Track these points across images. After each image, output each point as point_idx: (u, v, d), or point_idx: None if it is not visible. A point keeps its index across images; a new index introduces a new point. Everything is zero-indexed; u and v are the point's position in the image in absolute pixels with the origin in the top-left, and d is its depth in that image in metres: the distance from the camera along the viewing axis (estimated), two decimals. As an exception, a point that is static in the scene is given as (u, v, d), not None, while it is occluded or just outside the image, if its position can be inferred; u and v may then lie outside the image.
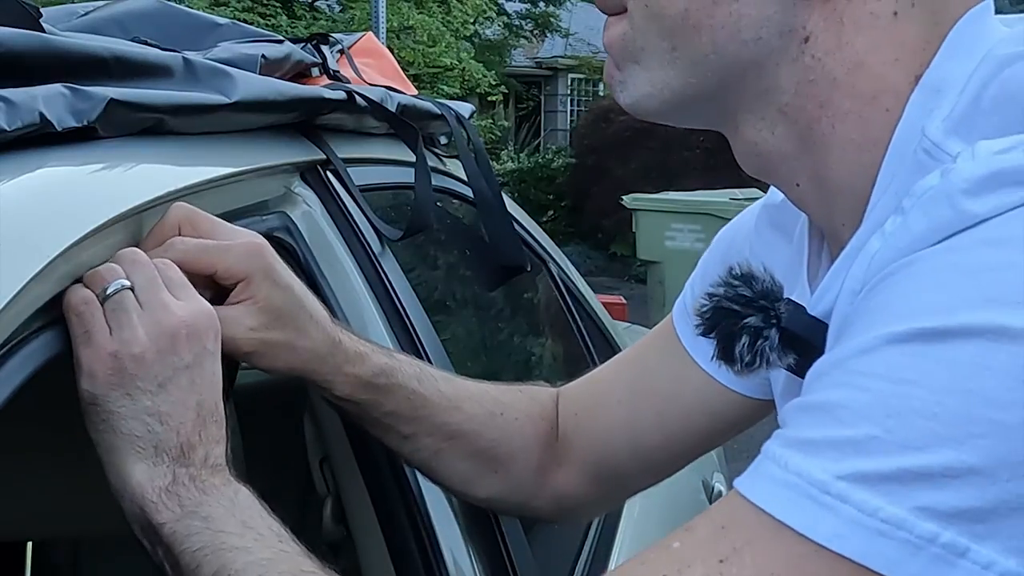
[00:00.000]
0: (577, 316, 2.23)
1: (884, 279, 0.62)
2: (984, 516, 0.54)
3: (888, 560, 0.54)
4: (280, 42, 1.47)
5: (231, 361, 0.90)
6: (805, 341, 0.72)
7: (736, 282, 0.74)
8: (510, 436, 1.10)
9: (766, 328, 0.72)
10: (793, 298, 0.75)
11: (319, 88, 1.36)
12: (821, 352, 0.68)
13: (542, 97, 19.68)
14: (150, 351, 0.79)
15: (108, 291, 0.79)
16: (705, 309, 0.74)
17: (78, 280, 0.80)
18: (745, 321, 0.73)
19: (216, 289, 0.90)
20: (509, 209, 1.70)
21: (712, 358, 0.75)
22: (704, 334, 0.75)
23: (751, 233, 0.95)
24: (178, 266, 0.85)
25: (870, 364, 0.59)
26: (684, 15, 0.71)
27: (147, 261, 0.83)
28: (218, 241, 0.91)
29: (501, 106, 17.02)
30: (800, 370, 0.72)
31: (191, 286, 0.84)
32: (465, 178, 1.65)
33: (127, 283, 0.80)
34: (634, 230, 7.97)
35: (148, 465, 0.78)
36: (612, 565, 1.76)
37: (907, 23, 0.68)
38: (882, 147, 0.68)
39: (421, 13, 12.20)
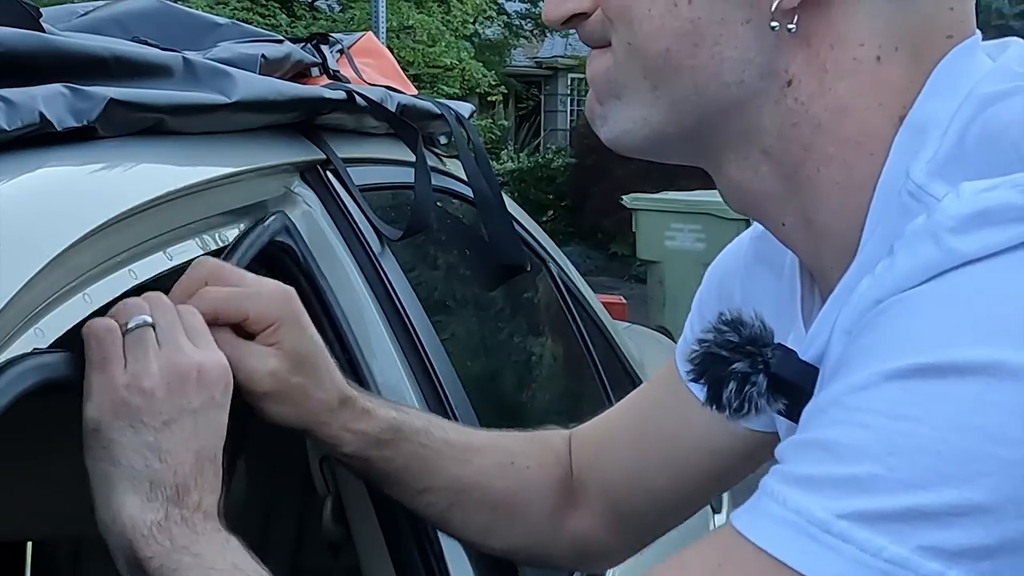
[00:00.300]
0: (577, 316, 2.23)
1: (877, 315, 0.62)
2: (990, 554, 0.54)
3: None
4: (280, 42, 1.47)
5: (244, 416, 0.90)
6: (795, 386, 0.71)
7: (725, 328, 0.74)
8: (523, 485, 1.08)
9: (754, 374, 0.72)
10: (790, 338, 0.76)
11: (319, 88, 1.36)
12: (811, 396, 0.68)
13: (542, 97, 19.68)
14: (160, 388, 0.79)
15: (130, 325, 0.80)
16: (695, 355, 0.75)
17: (102, 311, 0.81)
18: (733, 367, 0.72)
19: (244, 336, 0.91)
20: (509, 209, 1.70)
21: (703, 404, 0.76)
22: (694, 380, 0.75)
23: (741, 269, 0.94)
24: (211, 313, 0.87)
25: (868, 401, 0.58)
26: (666, 55, 0.71)
27: (172, 305, 0.84)
28: (247, 288, 0.91)
29: (501, 106, 17.02)
30: (792, 414, 0.72)
31: (210, 336, 0.85)
32: (465, 178, 1.65)
33: (150, 320, 0.81)
34: (634, 230, 7.97)
35: (142, 499, 0.78)
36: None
37: (890, 66, 0.68)
38: (868, 190, 0.68)
39: (421, 13, 12.20)
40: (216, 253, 0.97)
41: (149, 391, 0.79)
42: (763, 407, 0.73)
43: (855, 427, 0.58)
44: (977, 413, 0.55)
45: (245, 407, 0.91)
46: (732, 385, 0.72)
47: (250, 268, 1.06)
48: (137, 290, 0.87)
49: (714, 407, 0.74)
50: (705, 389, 0.75)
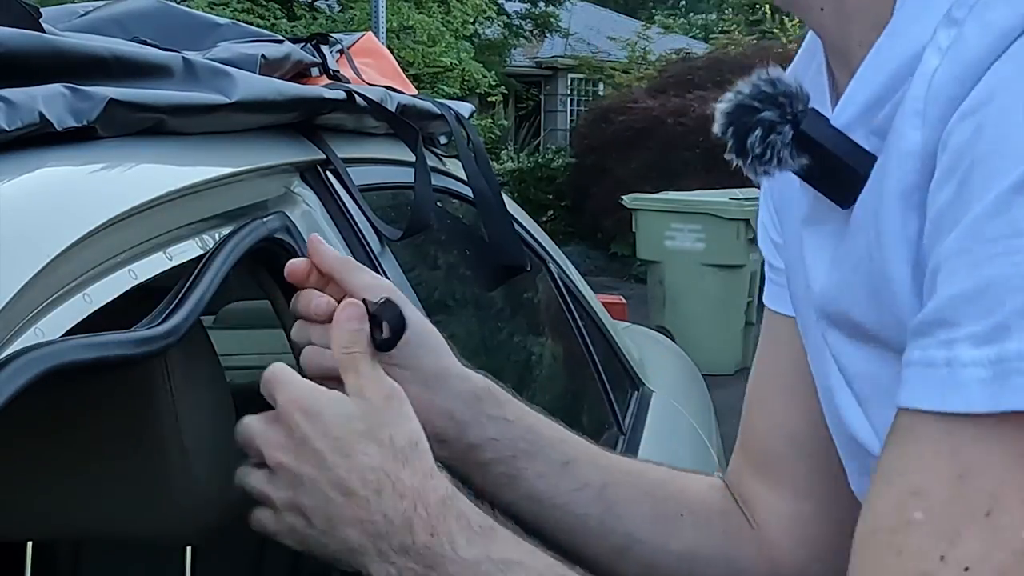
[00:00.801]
0: (577, 316, 2.23)
1: (977, 130, 0.58)
2: None
3: None
4: (280, 42, 1.47)
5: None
6: (823, 149, 0.69)
7: (761, 82, 0.73)
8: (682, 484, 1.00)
9: (780, 124, 0.71)
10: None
11: (319, 88, 1.36)
12: (847, 170, 0.66)
13: (542, 97, 19.68)
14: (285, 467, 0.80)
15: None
16: (727, 106, 0.74)
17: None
18: (761, 115, 0.72)
19: None
20: (509, 209, 1.70)
21: (727, 153, 0.74)
22: (722, 132, 0.74)
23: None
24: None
25: (1011, 223, 0.54)
26: None
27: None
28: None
29: (501, 106, 17.01)
30: (812, 178, 0.71)
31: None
32: (465, 178, 1.65)
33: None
34: (634, 230, 7.96)
35: (369, 566, 0.76)
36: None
37: None
38: None
39: (421, 13, 12.20)
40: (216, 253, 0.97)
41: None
42: (785, 159, 0.71)
43: (1012, 255, 0.54)
44: None
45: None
46: (758, 131, 0.71)
47: (245, 269, 1.06)
48: (137, 290, 0.87)
49: (737, 156, 0.73)
50: (732, 139, 0.73)
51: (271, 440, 0.80)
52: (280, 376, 0.81)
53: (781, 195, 0.89)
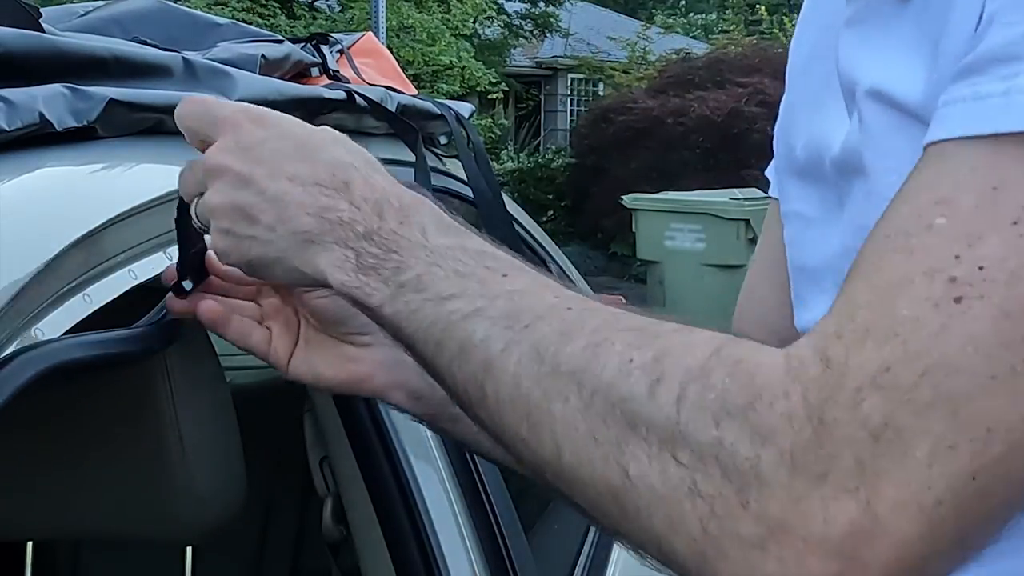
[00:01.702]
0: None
1: None
2: None
3: None
4: (280, 42, 1.47)
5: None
6: None
7: None
8: None
9: None
10: None
11: (319, 88, 1.36)
12: None
13: (542, 97, 19.68)
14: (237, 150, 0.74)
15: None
16: None
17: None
18: None
19: None
20: (509, 209, 1.70)
21: None
22: None
23: None
24: None
25: None
26: None
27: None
28: None
29: (501, 106, 17.02)
30: None
31: None
32: (465, 178, 1.65)
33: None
34: (634, 230, 7.98)
35: (326, 255, 0.71)
36: (612, 565, 1.76)
37: None
38: None
39: (420, 12, 12.20)
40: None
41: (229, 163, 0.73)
42: None
43: None
44: None
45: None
46: None
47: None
48: (137, 290, 0.87)
49: None
50: None
51: (216, 148, 0.75)
52: (209, 98, 0.78)
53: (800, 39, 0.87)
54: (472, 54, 13.01)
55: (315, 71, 1.53)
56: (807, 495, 0.52)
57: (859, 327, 0.54)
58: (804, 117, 0.81)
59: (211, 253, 0.84)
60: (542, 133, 18.16)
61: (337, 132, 0.77)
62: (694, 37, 21.19)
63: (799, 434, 0.53)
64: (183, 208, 0.80)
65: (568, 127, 18.44)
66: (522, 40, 17.08)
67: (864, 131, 0.66)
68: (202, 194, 0.76)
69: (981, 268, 0.52)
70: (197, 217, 0.76)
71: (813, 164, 0.76)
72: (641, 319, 0.63)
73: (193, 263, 0.84)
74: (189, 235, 0.81)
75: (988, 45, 0.55)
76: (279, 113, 0.77)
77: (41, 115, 0.82)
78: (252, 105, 0.78)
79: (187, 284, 0.84)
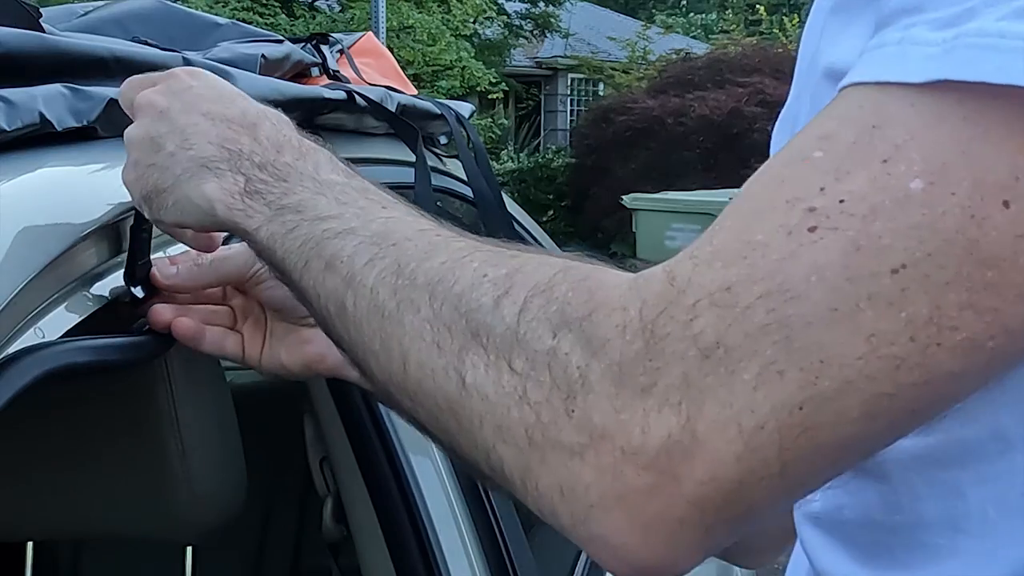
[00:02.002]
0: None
1: None
2: None
3: None
4: (280, 42, 1.47)
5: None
6: None
7: None
8: None
9: None
10: None
11: (319, 88, 1.36)
12: None
13: (542, 97, 19.69)
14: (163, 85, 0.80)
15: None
16: None
17: None
18: None
19: None
20: (509, 209, 1.70)
21: None
22: None
23: None
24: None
25: None
26: None
27: None
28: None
29: (501, 105, 17.03)
30: None
31: None
32: (465, 178, 1.65)
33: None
34: (634, 230, 7.98)
35: (216, 180, 0.74)
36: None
37: None
38: None
39: (421, 12, 12.21)
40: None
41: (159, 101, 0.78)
42: None
43: None
44: None
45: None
46: None
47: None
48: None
49: None
50: None
51: (150, 89, 0.80)
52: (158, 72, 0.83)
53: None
54: (472, 54, 13.02)
55: (315, 71, 1.53)
56: (630, 406, 0.52)
57: (712, 249, 0.54)
58: (789, 111, 0.81)
59: (155, 269, 0.86)
60: (542, 133, 18.17)
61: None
62: (694, 37, 21.20)
63: (630, 345, 0.53)
64: (139, 216, 0.82)
65: (568, 127, 18.46)
66: (522, 40, 17.09)
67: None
68: None
69: (842, 201, 0.51)
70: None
71: None
72: (505, 245, 0.64)
73: (141, 273, 0.86)
74: (141, 244, 0.84)
75: None
76: (216, 76, 0.82)
77: (41, 115, 0.82)
78: (189, 68, 0.83)
79: (139, 291, 0.86)
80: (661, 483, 0.52)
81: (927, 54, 0.51)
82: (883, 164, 0.51)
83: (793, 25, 14.10)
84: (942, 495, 0.57)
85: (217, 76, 0.81)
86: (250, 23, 2.57)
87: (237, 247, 0.90)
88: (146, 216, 0.80)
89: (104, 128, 0.89)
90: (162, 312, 0.87)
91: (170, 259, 0.89)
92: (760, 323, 0.51)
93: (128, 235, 0.85)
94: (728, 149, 10.82)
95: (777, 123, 0.85)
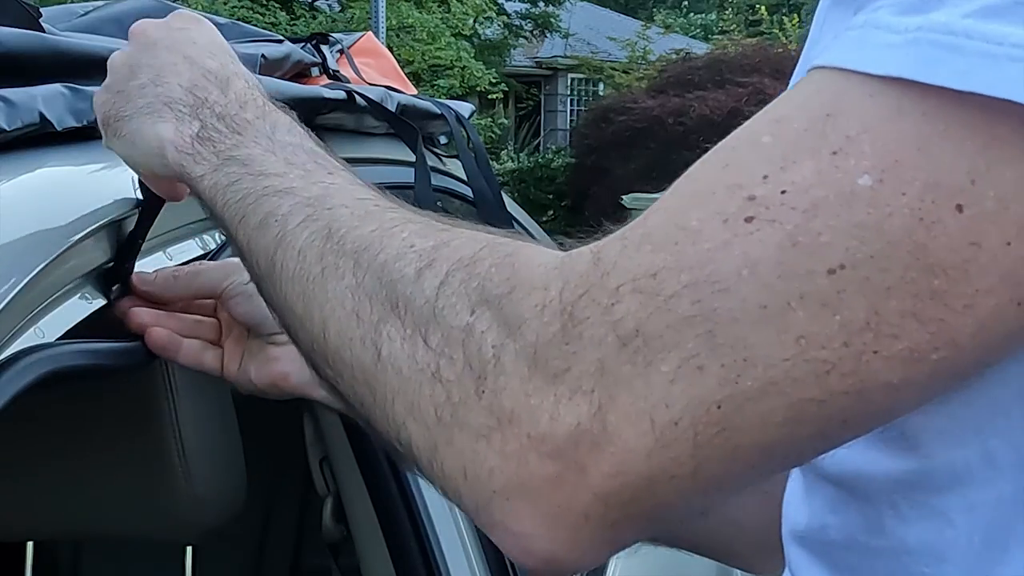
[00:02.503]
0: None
1: None
2: None
3: (1018, 84, 0.45)
4: (280, 42, 1.47)
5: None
6: None
7: None
8: None
9: None
10: None
11: (319, 88, 1.36)
12: None
13: (542, 97, 19.68)
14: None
15: None
16: None
17: None
18: None
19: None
20: (509, 209, 1.70)
21: None
22: None
23: None
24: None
25: None
26: None
27: None
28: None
29: (501, 106, 17.02)
30: None
31: None
32: (465, 178, 1.65)
33: None
34: (634, 230, 7.96)
35: (173, 122, 0.74)
36: (612, 565, 1.76)
37: None
38: None
39: (420, 12, 12.21)
40: (216, 253, 0.97)
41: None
42: None
43: None
44: None
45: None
46: None
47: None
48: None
49: None
50: None
51: (150, 21, 0.81)
52: None
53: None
54: (472, 54, 13.02)
55: (315, 71, 1.53)
56: (541, 391, 0.50)
57: (644, 231, 0.51)
58: None
59: (134, 275, 0.87)
60: (542, 133, 18.17)
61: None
62: (694, 37, 21.20)
63: (547, 327, 0.50)
64: (139, 220, 0.84)
65: (568, 127, 18.45)
66: (522, 40, 17.09)
67: None
68: None
69: (784, 192, 0.48)
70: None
71: None
72: (438, 218, 0.62)
73: (124, 275, 0.86)
74: (132, 248, 0.85)
75: None
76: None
77: (41, 115, 0.82)
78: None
79: (115, 292, 0.86)
80: (566, 473, 0.50)
81: (888, 42, 0.48)
82: (832, 156, 0.48)
83: (793, 25, 14.09)
84: (929, 521, 0.54)
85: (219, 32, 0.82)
86: (249, 22, 2.57)
87: (212, 263, 0.90)
88: (103, 142, 0.80)
89: (104, 128, 0.89)
90: (139, 315, 0.86)
91: (155, 270, 0.89)
92: (683, 314, 0.48)
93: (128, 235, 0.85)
94: (728, 149, 10.79)
95: None
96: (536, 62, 19.04)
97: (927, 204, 0.46)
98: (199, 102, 0.74)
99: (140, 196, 0.85)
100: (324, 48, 1.59)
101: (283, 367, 0.88)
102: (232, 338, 0.91)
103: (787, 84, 0.75)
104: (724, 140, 0.53)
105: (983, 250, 0.46)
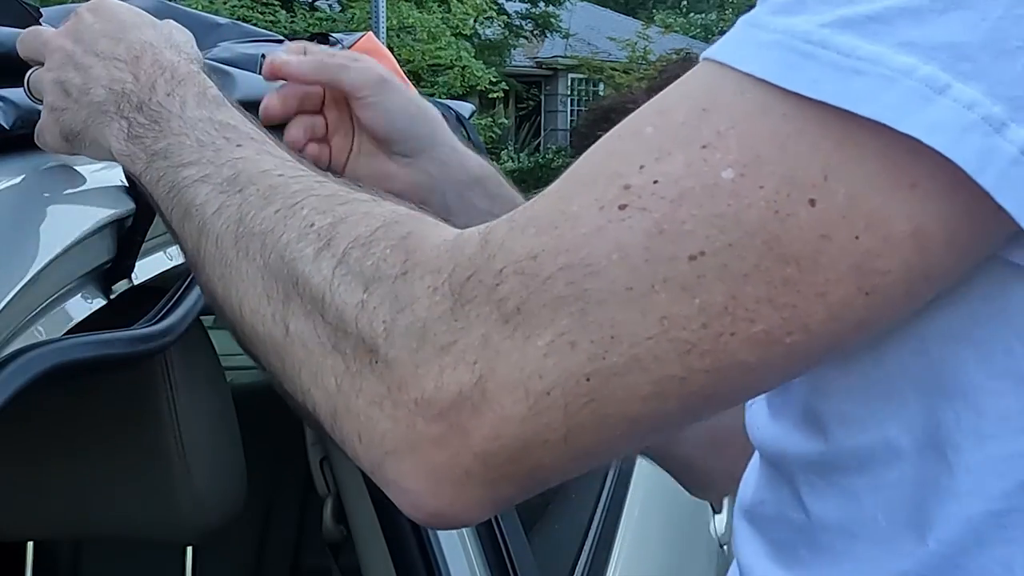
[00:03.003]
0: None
1: None
2: (972, 54, 0.49)
3: (859, 97, 0.49)
4: (280, 42, 1.47)
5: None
6: None
7: None
8: None
9: None
10: None
11: (319, 88, 1.35)
12: None
13: (542, 97, 19.70)
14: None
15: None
16: None
17: None
18: None
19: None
20: (509, 209, 1.70)
21: None
22: None
23: None
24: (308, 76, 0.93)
25: None
26: None
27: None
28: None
29: (501, 105, 17.03)
30: None
31: None
32: (465, 178, 1.64)
33: None
34: (634, 230, 7.98)
35: (108, 128, 0.77)
36: (612, 565, 1.76)
37: None
38: None
39: (420, 12, 12.21)
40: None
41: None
42: None
43: None
44: None
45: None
46: None
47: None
48: (137, 290, 0.87)
49: None
50: None
51: (57, 31, 0.82)
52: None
53: None
54: (472, 54, 13.02)
55: (315, 71, 1.53)
56: (427, 361, 0.54)
57: (530, 215, 0.55)
58: None
59: (284, 48, 0.97)
60: (542, 133, 18.18)
61: (170, 21, 0.84)
62: (694, 37, 21.22)
63: (437, 306, 0.55)
64: (136, 219, 0.85)
65: (568, 127, 18.47)
66: (522, 40, 17.10)
67: None
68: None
69: (655, 182, 0.52)
70: (29, 88, 0.84)
71: None
72: (341, 186, 0.66)
73: (121, 274, 0.87)
74: (131, 246, 0.86)
75: None
76: (118, 2, 0.84)
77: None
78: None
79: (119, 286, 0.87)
80: (449, 435, 0.55)
81: (760, 41, 0.52)
82: (702, 149, 0.51)
83: (793, 25, 14.03)
84: (840, 499, 0.58)
85: (118, 3, 0.83)
86: (249, 21, 2.57)
87: (359, 64, 0.94)
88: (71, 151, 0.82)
89: (104, 128, 0.89)
90: (273, 106, 0.94)
91: (308, 53, 0.94)
92: (558, 294, 0.52)
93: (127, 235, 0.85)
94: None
95: None
96: (536, 62, 19.06)
97: (782, 197, 0.50)
98: (119, 96, 0.77)
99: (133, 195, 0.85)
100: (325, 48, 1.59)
101: (398, 188, 0.92)
102: (339, 137, 0.96)
103: None
104: (616, 127, 0.58)
105: (833, 242, 0.50)
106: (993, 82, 0.49)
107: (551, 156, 14.78)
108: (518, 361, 0.53)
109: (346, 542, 1.30)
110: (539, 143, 16.93)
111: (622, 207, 0.52)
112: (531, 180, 14.00)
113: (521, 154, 15.14)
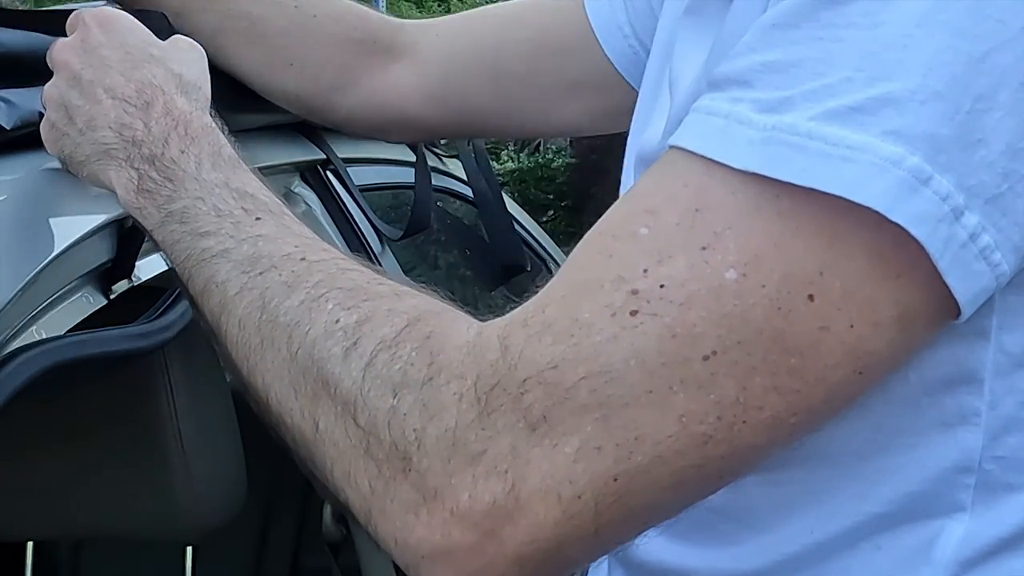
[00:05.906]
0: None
1: None
2: (946, 146, 0.53)
3: (851, 184, 0.52)
4: None
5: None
6: None
7: None
8: (305, 30, 1.08)
9: None
10: None
11: (319, 88, 1.35)
12: None
13: (542, 97, 19.67)
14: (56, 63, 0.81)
15: None
16: None
17: None
18: None
19: None
20: (509, 209, 1.70)
21: None
22: None
23: None
24: None
25: (844, 15, 0.55)
26: None
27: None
28: None
29: (501, 106, 17.01)
30: None
31: None
32: (465, 178, 1.65)
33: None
34: (634, 230, 7.96)
35: (115, 172, 0.76)
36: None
37: None
38: None
39: (421, 12, 12.21)
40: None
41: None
42: None
43: (831, 42, 0.55)
44: (940, 11, 0.54)
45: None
46: None
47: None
48: (137, 290, 0.87)
49: None
50: None
51: (66, 44, 0.81)
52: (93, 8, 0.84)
53: None
54: (472, 54, 13.01)
55: (315, 71, 1.53)
56: (461, 471, 0.56)
57: (544, 320, 0.57)
58: (643, 108, 0.84)
59: None
60: (542, 133, 18.13)
61: (181, 44, 0.84)
62: (694, 37, 21.16)
63: (465, 414, 0.56)
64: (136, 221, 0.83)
65: (568, 127, 18.41)
66: (522, 40, 17.06)
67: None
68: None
69: (662, 286, 0.55)
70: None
71: (647, 159, 0.76)
72: (363, 276, 0.66)
73: (120, 275, 0.87)
74: (131, 248, 0.85)
75: (734, 62, 0.58)
76: (130, 19, 0.83)
77: (41, 115, 0.82)
78: (108, 8, 0.84)
79: (120, 286, 0.86)
80: (484, 543, 0.57)
81: (749, 138, 0.55)
82: (702, 251, 0.55)
83: (793, 25, 14.01)
84: (731, 488, 0.61)
85: (129, 21, 0.82)
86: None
87: None
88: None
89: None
90: None
91: None
92: (582, 402, 0.55)
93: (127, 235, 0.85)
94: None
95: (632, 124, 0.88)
96: (536, 62, 19.04)
97: (783, 295, 0.54)
98: (128, 144, 0.76)
99: None
100: (324, 48, 1.58)
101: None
102: None
103: None
104: (600, 223, 0.60)
105: (831, 332, 0.54)
106: (960, 173, 0.53)
107: (551, 156, 14.74)
108: (548, 469, 0.55)
109: (346, 542, 1.30)
110: (539, 143, 16.92)
111: (633, 313, 0.55)
112: (531, 180, 13.96)
113: (521, 154, 15.11)
